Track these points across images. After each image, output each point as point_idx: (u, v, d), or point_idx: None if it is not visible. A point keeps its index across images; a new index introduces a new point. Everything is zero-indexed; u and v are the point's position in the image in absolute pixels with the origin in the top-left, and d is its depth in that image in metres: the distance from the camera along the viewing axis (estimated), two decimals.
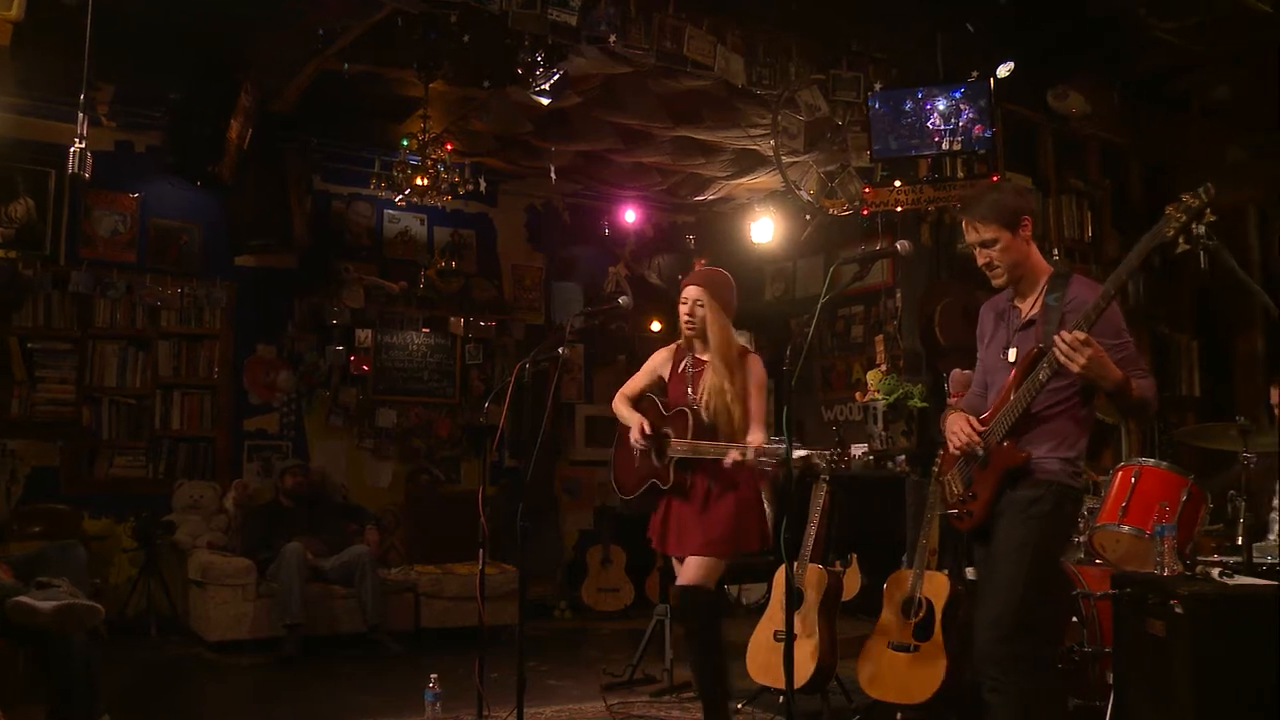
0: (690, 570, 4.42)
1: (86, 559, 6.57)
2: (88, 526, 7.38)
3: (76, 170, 4.32)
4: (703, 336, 4.55)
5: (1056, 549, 3.53)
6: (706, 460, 4.38)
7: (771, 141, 6.84)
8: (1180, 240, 3.22)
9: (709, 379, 4.49)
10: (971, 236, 3.60)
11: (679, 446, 4.41)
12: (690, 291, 4.57)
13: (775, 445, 4.16)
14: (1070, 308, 3.39)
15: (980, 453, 3.52)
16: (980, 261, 3.62)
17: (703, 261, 9.10)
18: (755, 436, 4.36)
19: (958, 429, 3.59)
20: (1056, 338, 3.26)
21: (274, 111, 7.20)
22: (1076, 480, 3.50)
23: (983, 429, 3.53)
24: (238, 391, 8.20)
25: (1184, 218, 3.20)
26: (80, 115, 4.42)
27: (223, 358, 8.15)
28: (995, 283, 3.65)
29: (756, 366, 4.52)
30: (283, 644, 6.75)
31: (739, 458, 4.20)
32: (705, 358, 4.56)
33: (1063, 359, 3.23)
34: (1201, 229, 4.20)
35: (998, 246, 3.54)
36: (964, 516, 3.56)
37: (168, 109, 7.11)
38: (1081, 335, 3.20)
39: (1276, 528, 5.51)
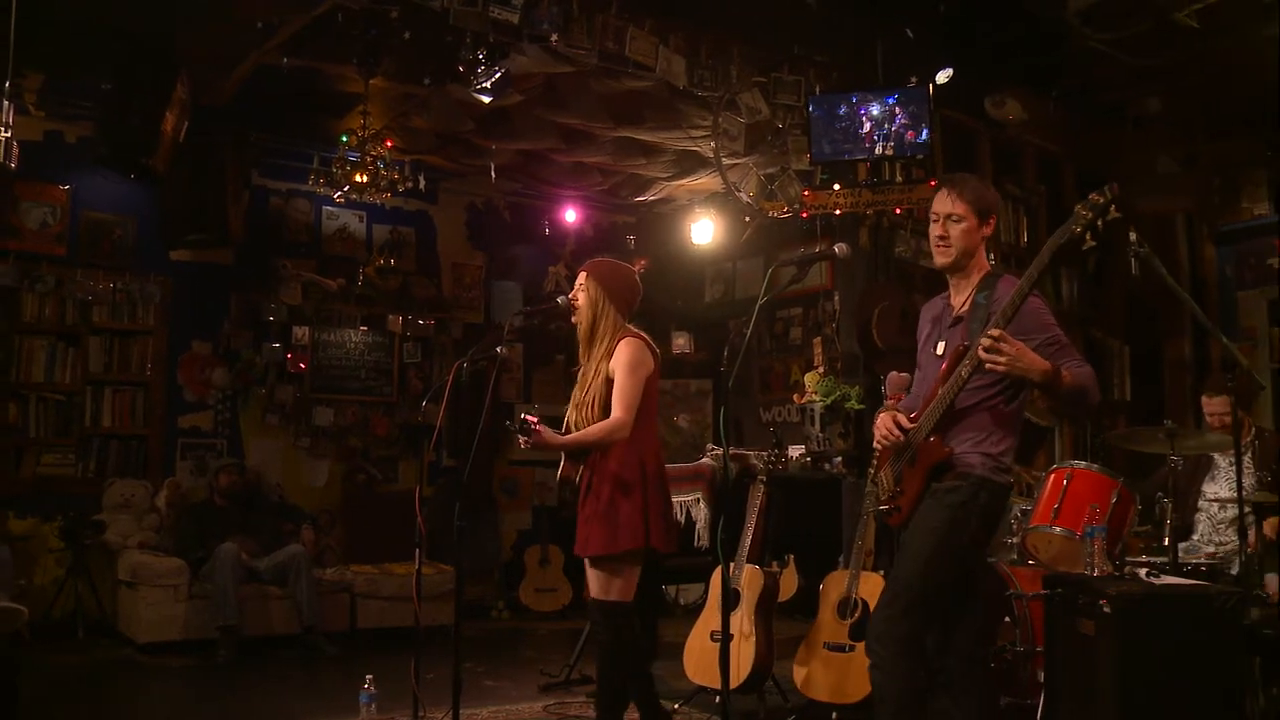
0: (590, 584, 4.26)
1: (11, 560, 6.52)
2: (13, 526, 7.23)
3: (2, 160, 4.24)
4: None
5: (967, 538, 3.47)
6: (585, 456, 4.26)
7: (712, 143, 6.86)
8: (1087, 237, 3.34)
9: (582, 362, 4.36)
10: (942, 206, 3.62)
11: None
12: (579, 278, 4.39)
13: (528, 420, 3.99)
14: (997, 307, 3.44)
15: (907, 450, 3.56)
16: (936, 233, 3.64)
17: (643, 262, 9.11)
18: (611, 416, 4.13)
19: (882, 426, 3.64)
20: (980, 339, 3.31)
21: (211, 105, 7.10)
22: (999, 475, 3.51)
23: (911, 426, 3.57)
24: (171, 388, 8.07)
25: (1090, 215, 3.32)
26: (5, 103, 4.34)
27: (156, 354, 8.01)
28: (939, 259, 3.68)
29: (624, 350, 4.18)
30: (217, 646, 6.66)
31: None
32: None
33: (983, 356, 3.27)
34: (1133, 237, 4.30)
35: (962, 226, 3.59)
36: (893, 512, 3.59)
37: (99, 99, 6.98)
38: (996, 332, 3.25)
39: (1200, 528, 5.64)
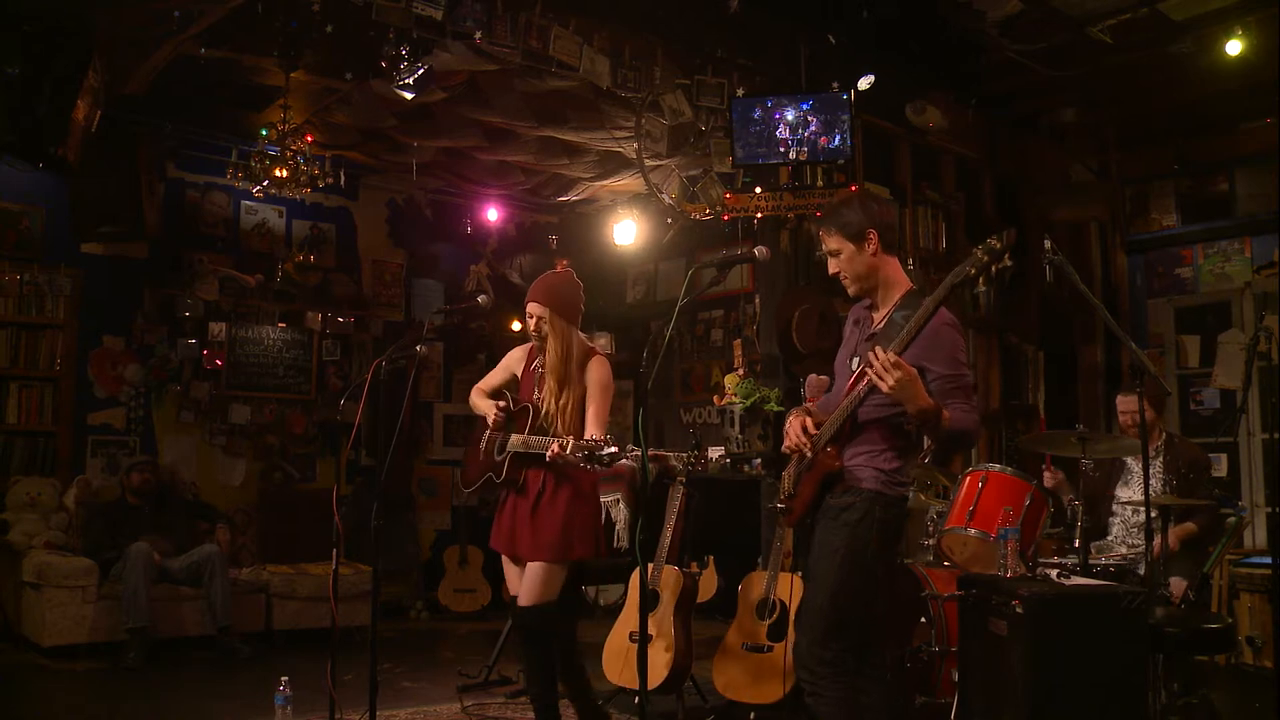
0: (525, 588, 4.37)
1: None
2: None
3: None
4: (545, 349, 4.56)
5: (869, 555, 3.49)
6: (541, 459, 4.36)
7: (635, 144, 6.87)
8: (981, 280, 3.41)
9: (548, 384, 4.49)
10: (823, 247, 3.72)
11: (514, 441, 4.44)
12: (532, 308, 4.50)
13: (592, 441, 4.13)
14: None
15: (808, 455, 3.60)
16: (830, 270, 3.73)
17: (564, 263, 9.10)
18: (592, 436, 4.30)
19: (791, 430, 3.68)
20: (870, 354, 3.35)
21: (126, 94, 6.95)
22: (891, 488, 3.52)
23: (814, 434, 3.61)
24: (82, 384, 7.88)
25: (986, 259, 3.38)
26: None
27: (66, 349, 7.81)
28: (849, 291, 3.73)
29: (597, 370, 4.47)
30: (126, 649, 6.51)
31: (558, 450, 4.19)
32: None
33: (872, 376, 3.32)
34: (1048, 245, 4.39)
35: (841, 257, 3.64)
36: (787, 511, 3.65)
37: (6, 84, 6.78)
38: (892, 357, 3.28)
39: (1115, 531, 5.77)
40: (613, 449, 4.10)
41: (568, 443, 4.16)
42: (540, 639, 4.40)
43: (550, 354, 4.47)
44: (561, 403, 4.40)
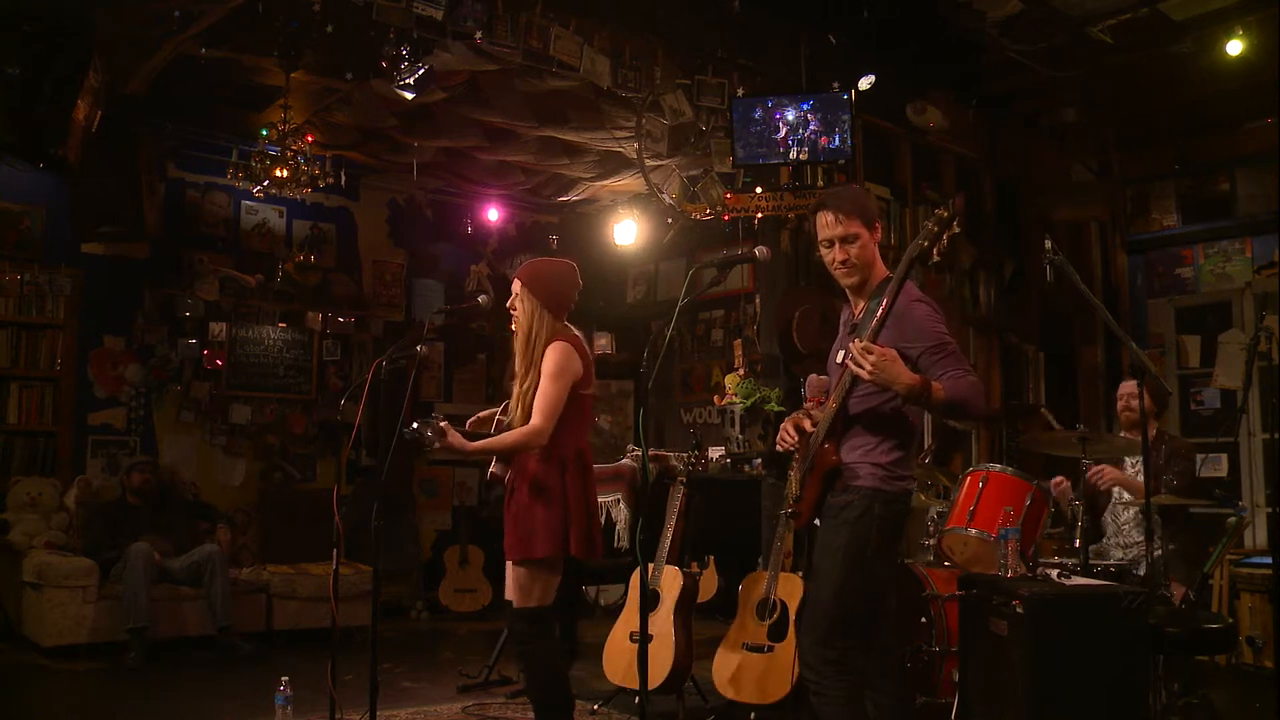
0: (507, 587, 4.22)
1: None
2: None
3: None
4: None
5: (871, 551, 3.46)
6: (506, 455, 4.24)
7: (636, 144, 6.87)
8: (934, 251, 3.43)
9: (517, 367, 4.27)
10: (832, 231, 3.56)
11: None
12: (514, 285, 4.30)
13: (432, 423, 3.93)
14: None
15: (808, 453, 3.60)
16: (839, 258, 3.58)
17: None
18: (530, 423, 4.07)
19: (783, 429, 3.68)
20: (850, 346, 3.35)
21: (126, 94, 6.95)
22: (890, 484, 3.49)
23: (811, 431, 3.60)
24: (82, 384, 7.88)
25: (936, 229, 3.39)
26: None
27: (66, 349, 7.81)
28: (846, 282, 3.64)
29: (551, 355, 4.11)
30: (127, 649, 6.50)
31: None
32: None
33: (851, 367, 3.32)
34: (1049, 245, 4.39)
35: (858, 243, 3.55)
36: (796, 515, 3.63)
37: (7, 84, 6.79)
38: (860, 344, 3.29)
39: (1108, 530, 5.77)
40: (427, 434, 3.92)
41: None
42: (517, 641, 4.24)
43: (519, 331, 4.25)
44: (524, 388, 4.16)
